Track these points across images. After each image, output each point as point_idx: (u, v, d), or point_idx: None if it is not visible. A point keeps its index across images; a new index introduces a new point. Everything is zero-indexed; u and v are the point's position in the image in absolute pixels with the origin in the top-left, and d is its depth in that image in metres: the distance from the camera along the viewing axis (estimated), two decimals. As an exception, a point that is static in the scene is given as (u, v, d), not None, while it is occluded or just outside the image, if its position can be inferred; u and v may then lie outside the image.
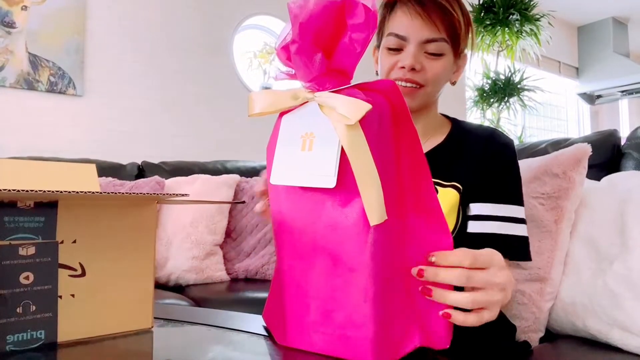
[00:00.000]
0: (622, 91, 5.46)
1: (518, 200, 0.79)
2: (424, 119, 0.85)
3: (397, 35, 0.78)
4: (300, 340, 0.51)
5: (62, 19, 2.28)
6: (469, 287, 0.47)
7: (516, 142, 3.33)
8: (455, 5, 0.78)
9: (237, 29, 2.97)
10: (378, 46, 0.86)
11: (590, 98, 5.70)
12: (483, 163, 0.79)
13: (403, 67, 0.77)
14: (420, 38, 0.77)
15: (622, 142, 1.32)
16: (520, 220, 0.77)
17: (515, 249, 0.76)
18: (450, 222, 0.77)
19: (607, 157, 1.28)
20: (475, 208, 0.78)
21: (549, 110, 5.35)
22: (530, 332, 0.96)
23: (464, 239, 0.78)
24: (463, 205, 0.79)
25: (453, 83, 0.86)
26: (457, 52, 0.81)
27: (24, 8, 2.17)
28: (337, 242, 0.47)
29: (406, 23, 0.77)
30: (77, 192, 0.48)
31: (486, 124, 3.20)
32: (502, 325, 0.85)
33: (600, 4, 5.03)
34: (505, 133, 0.84)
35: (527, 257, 0.78)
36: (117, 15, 2.49)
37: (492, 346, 0.77)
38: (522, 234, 0.77)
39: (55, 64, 2.26)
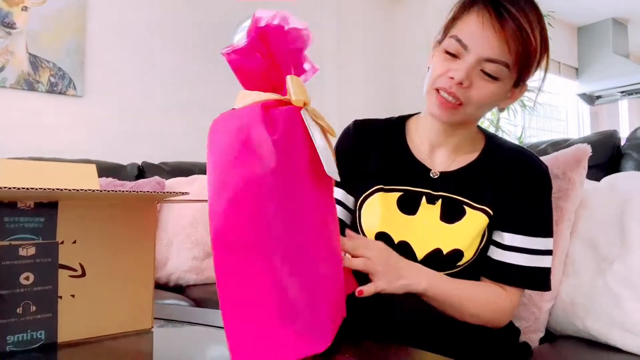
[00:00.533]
0: (622, 92, 5.45)
1: (549, 232, 0.78)
2: (460, 135, 0.81)
3: (459, 41, 0.71)
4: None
5: (63, 20, 2.28)
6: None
7: (516, 143, 3.32)
8: (537, 30, 0.69)
9: (237, 29, 2.97)
10: (440, 41, 0.77)
11: (590, 98, 5.70)
12: (517, 190, 0.77)
13: (452, 78, 0.71)
14: (483, 54, 0.69)
15: (622, 142, 1.32)
16: (548, 252, 0.78)
17: (538, 281, 0.78)
18: (474, 245, 0.76)
19: (607, 157, 1.28)
20: (508, 238, 0.77)
21: (548, 111, 5.34)
22: (530, 332, 0.96)
23: (486, 262, 0.78)
24: (490, 229, 0.78)
25: (501, 109, 0.81)
26: (517, 82, 0.73)
27: (24, 9, 2.17)
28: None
29: (475, 31, 0.69)
30: (77, 190, 0.48)
31: (485, 124, 3.20)
32: (506, 327, 0.85)
33: (600, 5, 5.03)
34: (539, 158, 0.82)
35: (547, 287, 0.79)
36: (117, 15, 2.49)
37: (493, 348, 0.77)
38: (547, 266, 0.77)
39: (55, 64, 2.26)
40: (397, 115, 0.92)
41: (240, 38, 0.55)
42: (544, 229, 0.78)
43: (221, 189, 0.48)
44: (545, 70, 0.76)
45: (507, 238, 0.77)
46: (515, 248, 0.76)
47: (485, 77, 0.71)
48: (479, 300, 0.74)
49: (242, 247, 0.47)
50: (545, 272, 0.78)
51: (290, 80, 0.49)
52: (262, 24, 0.50)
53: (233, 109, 0.50)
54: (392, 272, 0.67)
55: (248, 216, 0.47)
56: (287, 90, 0.50)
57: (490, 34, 0.68)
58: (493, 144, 0.83)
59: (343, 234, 0.85)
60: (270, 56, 0.51)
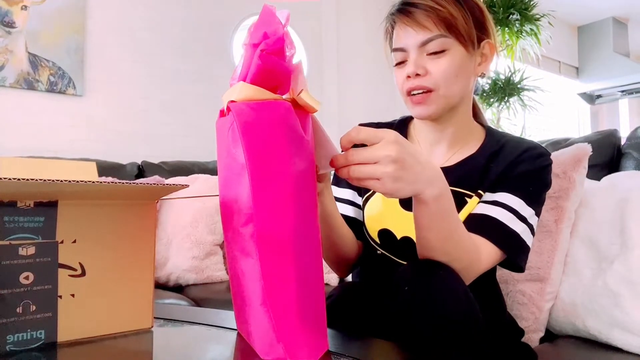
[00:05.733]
0: (622, 91, 5.46)
1: (533, 203, 0.75)
2: (454, 125, 0.82)
3: (396, 49, 0.79)
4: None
5: (62, 19, 2.28)
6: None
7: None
8: (447, 0, 0.76)
9: (237, 29, 2.96)
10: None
11: (590, 98, 5.70)
12: (510, 169, 0.77)
13: (410, 77, 0.77)
14: (416, 43, 0.76)
15: (622, 142, 1.32)
16: (527, 223, 0.74)
17: (513, 246, 0.73)
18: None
19: (607, 157, 1.28)
20: (493, 195, 0.76)
21: (549, 110, 5.35)
22: (530, 332, 0.96)
23: (467, 218, 0.75)
24: None
25: (482, 75, 0.83)
26: (467, 43, 0.77)
27: (24, 8, 2.17)
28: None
29: (401, 35, 0.78)
30: (77, 182, 0.48)
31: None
32: (511, 328, 0.84)
33: (601, 4, 5.03)
34: (543, 147, 0.80)
35: (519, 258, 0.73)
36: (117, 14, 2.49)
37: (494, 348, 0.76)
38: (524, 237, 0.73)
39: (55, 63, 2.26)
40: (399, 118, 0.94)
41: (245, 37, 0.53)
42: (530, 196, 0.75)
43: (268, 177, 0.47)
44: (492, 36, 0.82)
45: (493, 195, 0.76)
46: (498, 203, 0.74)
47: (433, 55, 0.76)
48: (465, 242, 0.66)
49: (283, 242, 0.48)
50: (519, 239, 0.73)
51: (304, 95, 0.52)
52: (283, 23, 0.51)
53: (253, 101, 0.49)
54: (407, 175, 0.54)
55: (292, 208, 0.48)
56: (303, 103, 0.52)
57: (410, 29, 0.77)
58: (493, 138, 0.83)
59: (356, 232, 0.86)
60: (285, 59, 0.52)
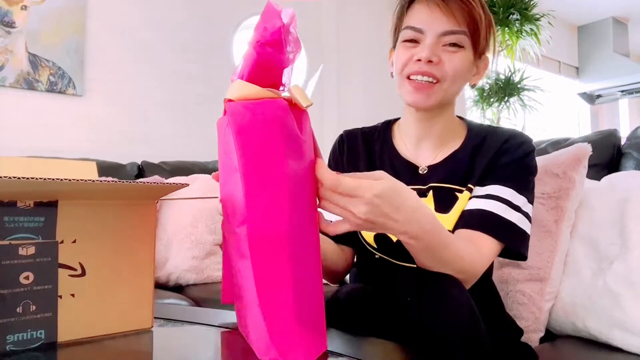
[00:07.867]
0: (622, 91, 5.46)
1: (523, 190, 0.75)
2: (441, 122, 0.82)
3: (413, 28, 0.76)
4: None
5: (62, 19, 2.28)
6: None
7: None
8: (477, 1, 0.75)
9: (237, 29, 2.96)
10: (394, 47, 0.83)
11: (590, 98, 5.70)
12: (495, 161, 0.77)
13: (419, 60, 0.74)
14: (439, 30, 0.74)
15: (622, 141, 1.33)
16: (522, 212, 0.74)
17: (509, 235, 0.72)
18: (452, 220, 0.76)
19: (607, 157, 1.28)
20: (484, 189, 0.76)
21: (549, 110, 5.35)
22: (530, 332, 0.96)
23: (461, 214, 0.75)
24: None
25: (473, 85, 0.83)
26: (477, 50, 0.77)
27: (24, 8, 2.17)
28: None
29: (425, 15, 0.75)
30: (78, 181, 0.48)
31: (486, 123, 3.20)
32: (510, 328, 0.84)
33: (601, 4, 5.03)
34: (524, 134, 0.81)
35: (520, 246, 0.73)
36: (117, 15, 2.49)
37: (494, 348, 0.76)
38: (520, 225, 0.73)
39: (55, 63, 2.26)
40: (383, 121, 0.94)
41: (248, 34, 0.53)
42: (519, 184, 0.75)
43: (262, 178, 0.46)
44: (493, 52, 0.82)
45: (484, 189, 0.76)
46: (490, 196, 0.74)
47: (450, 48, 0.74)
48: (460, 253, 0.64)
49: (278, 243, 0.47)
50: (517, 229, 0.73)
51: (295, 90, 0.51)
52: (286, 20, 0.50)
53: (249, 99, 0.48)
54: (374, 228, 0.56)
55: (288, 208, 0.47)
56: (293, 97, 0.50)
57: (438, 14, 0.74)
58: (474, 131, 0.84)
59: (350, 238, 0.86)
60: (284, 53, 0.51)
